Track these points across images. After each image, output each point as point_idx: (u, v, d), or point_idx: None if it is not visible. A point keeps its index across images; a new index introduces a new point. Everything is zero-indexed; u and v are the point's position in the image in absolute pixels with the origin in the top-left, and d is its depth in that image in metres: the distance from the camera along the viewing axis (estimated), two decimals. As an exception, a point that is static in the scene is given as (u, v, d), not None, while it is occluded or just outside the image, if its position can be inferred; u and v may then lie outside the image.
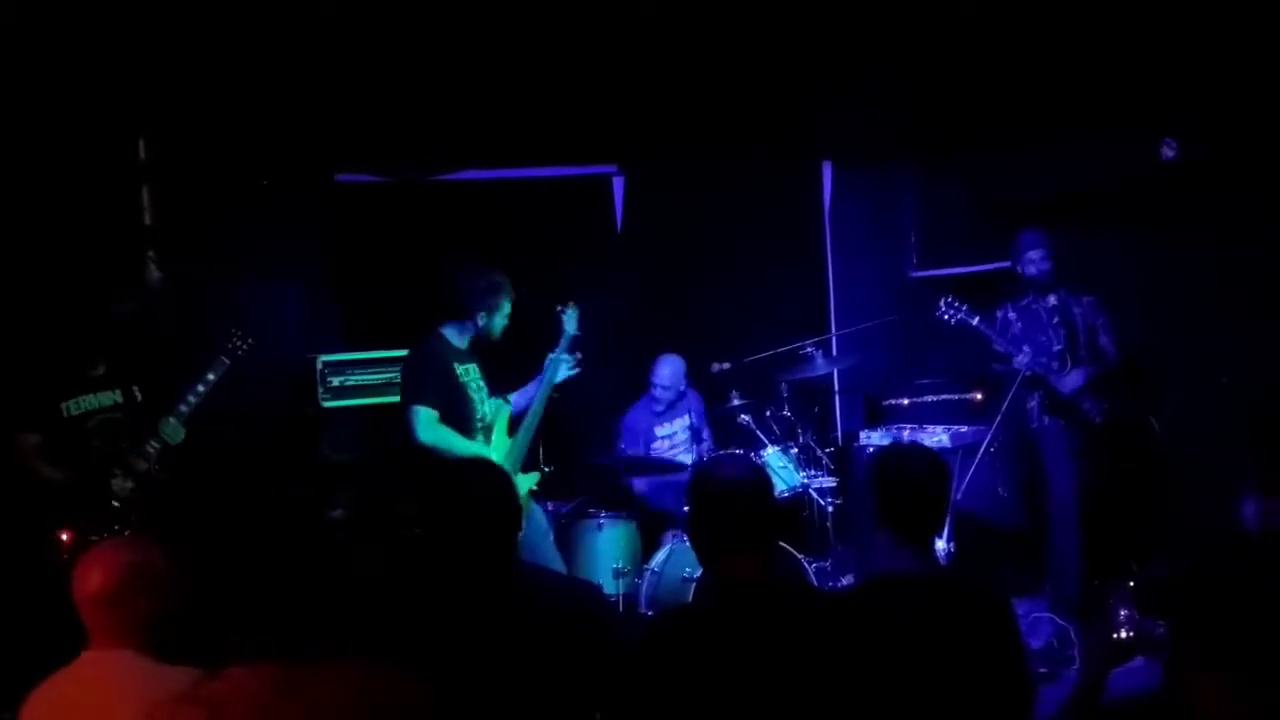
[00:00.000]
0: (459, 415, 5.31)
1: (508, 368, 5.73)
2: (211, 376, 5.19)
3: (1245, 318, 6.10)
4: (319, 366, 6.28)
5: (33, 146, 5.46)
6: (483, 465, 3.34)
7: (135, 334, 5.18)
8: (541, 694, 2.78)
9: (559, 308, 5.71)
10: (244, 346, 5.31)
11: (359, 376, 6.35)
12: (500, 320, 5.40)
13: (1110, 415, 6.11)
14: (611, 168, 7.84)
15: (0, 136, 5.36)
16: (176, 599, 2.86)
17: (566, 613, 2.95)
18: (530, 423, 5.54)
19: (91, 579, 2.76)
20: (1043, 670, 5.21)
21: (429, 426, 5.19)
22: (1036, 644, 5.59)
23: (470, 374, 5.42)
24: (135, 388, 5.17)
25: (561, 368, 5.65)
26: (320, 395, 6.26)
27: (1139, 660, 2.75)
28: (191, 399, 5.13)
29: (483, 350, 5.51)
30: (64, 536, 4.92)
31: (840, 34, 6.38)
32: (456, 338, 5.41)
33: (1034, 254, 6.21)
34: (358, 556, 2.48)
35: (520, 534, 5.22)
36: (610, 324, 7.07)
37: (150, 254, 5.92)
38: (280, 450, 6.09)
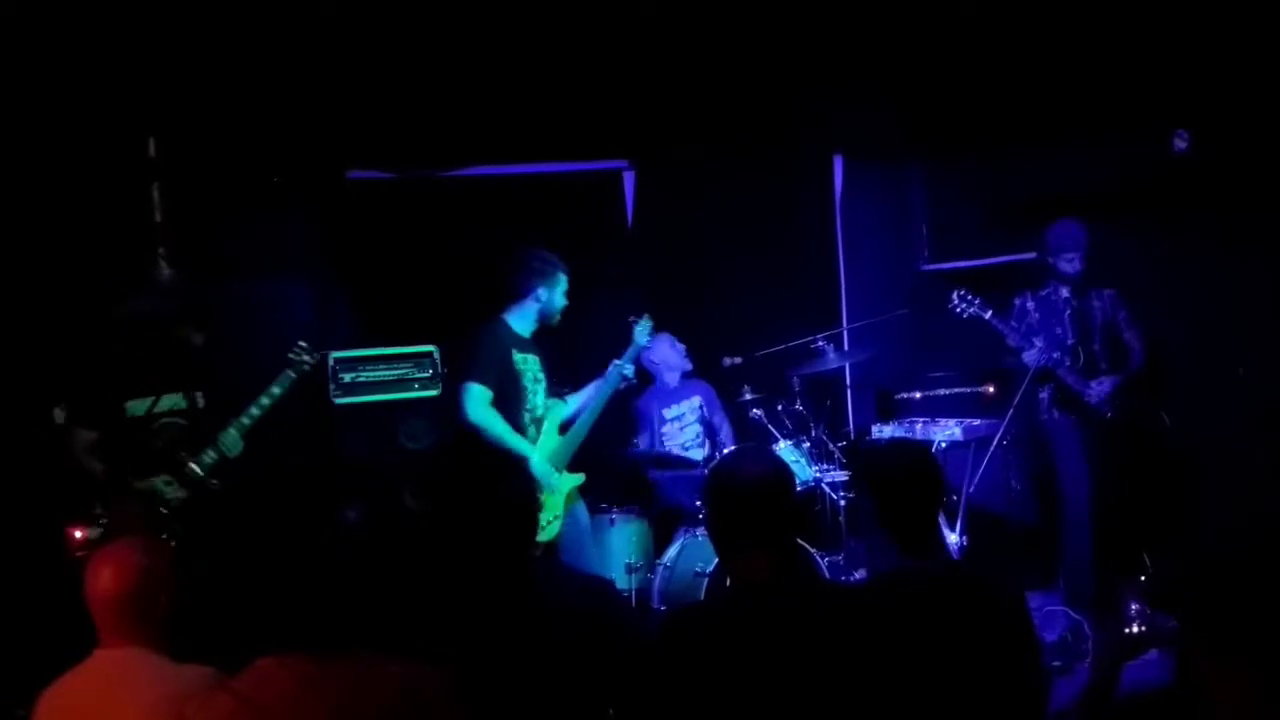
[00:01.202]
0: (510, 402, 5.37)
1: (572, 370, 5.85)
2: (276, 390, 5.12)
3: (1258, 310, 6.08)
4: (330, 363, 6.28)
5: (42, 145, 5.47)
6: (502, 460, 3.34)
7: (148, 332, 5.16)
8: (556, 690, 2.78)
9: (631, 318, 5.76)
10: (310, 361, 5.26)
11: (370, 373, 6.34)
12: (559, 298, 5.51)
13: (1120, 410, 6.08)
14: (622, 163, 7.83)
15: (9, 135, 5.37)
16: (188, 597, 2.87)
17: (581, 610, 2.95)
18: (584, 425, 5.60)
19: (103, 577, 2.77)
20: (1057, 664, 5.21)
21: (479, 405, 5.25)
22: (1050, 637, 5.58)
23: (529, 364, 5.48)
24: (199, 393, 5.13)
25: (619, 376, 5.67)
26: (332, 392, 6.25)
27: (1153, 654, 2.73)
28: (255, 411, 5.05)
29: (546, 346, 5.60)
30: (77, 534, 4.93)
31: (850, 28, 6.37)
32: (519, 323, 5.50)
33: (1071, 255, 6.12)
34: (372, 555, 2.49)
35: (560, 534, 5.35)
36: (621, 319, 7.07)
37: (161, 252, 5.93)
38: (294, 448, 6.09)
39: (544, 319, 5.53)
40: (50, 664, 2.79)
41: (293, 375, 5.17)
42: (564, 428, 5.63)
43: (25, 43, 5.19)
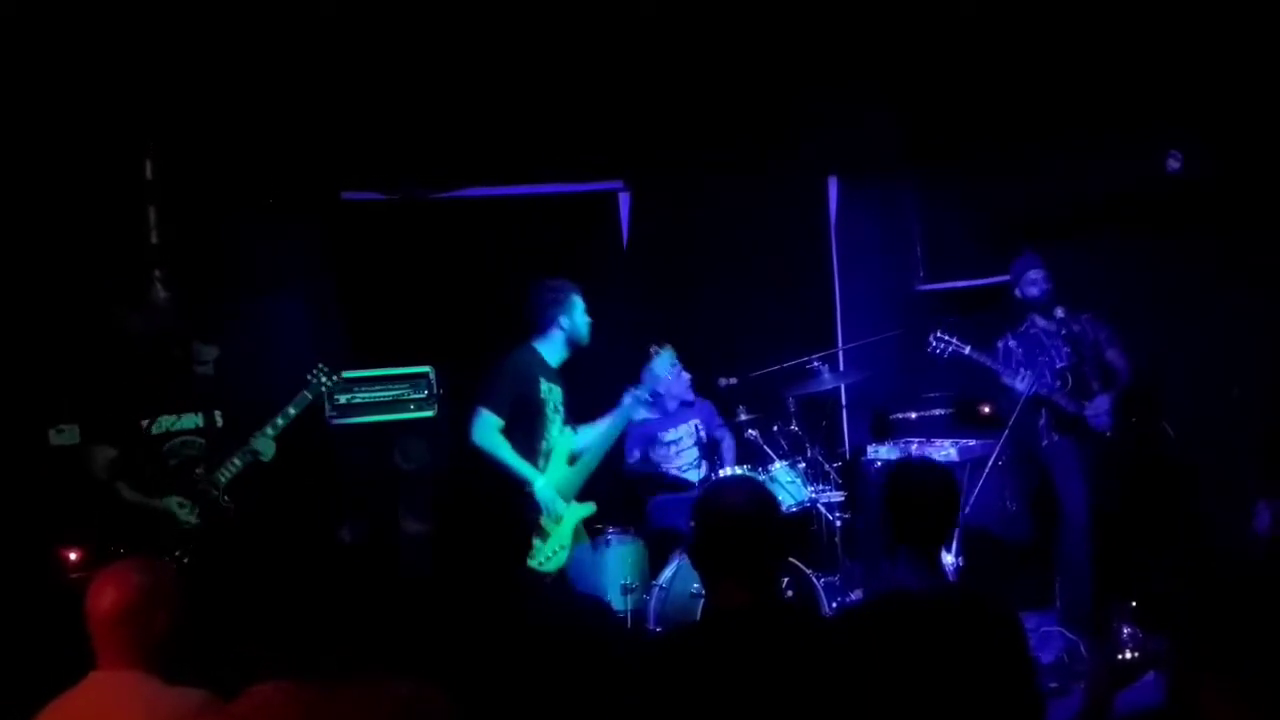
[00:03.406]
0: (528, 431, 5.37)
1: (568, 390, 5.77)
2: (293, 411, 5.28)
3: (1254, 329, 6.10)
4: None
5: (38, 167, 5.48)
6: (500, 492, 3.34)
7: (158, 349, 5.17)
8: (551, 710, 2.77)
9: (653, 347, 5.72)
10: (328, 382, 5.46)
11: (366, 394, 6.34)
12: (581, 319, 5.50)
13: (1120, 427, 6.08)
14: (617, 184, 7.85)
15: (5, 157, 5.37)
16: (186, 620, 2.86)
17: (576, 630, 2.95)
18: (594, 455, 5.58)
19: (104, 599, 2.75)
20: (1053, 685, 5.17)
21: (486, 431, 5.24)
22: (1047, 659, 5.57)
23: (553, 394, 5.47)
24: (217, 413, 5.18)
25: (640, 407, 5.66)
26: (327, 413, 6.25)
27: (1150, 675, 2.73)
28: (280, 421, 5.21)
29: (565, 377, 5.59)
30: (71, 555, 4.93)
31: (845, 49, 6.39)
32: (549, 353, 5.49)
33: (1035, 274, 6.23)
34: (364, 572, 2.49)
35: (569, 560, 5.34)
36: (617, 339, 7.07)
37: (156, 273, 5.94)
38: (291, 469, 6.10)
39: (573, 344, 5.52)
40: (45, 687, 2.77)
41: (309, 396, 5.33)
42: (572, 459, 5.60)
43: (21, 65, 5.20)
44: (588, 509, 5.60)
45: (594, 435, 5.66)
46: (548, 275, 5.64)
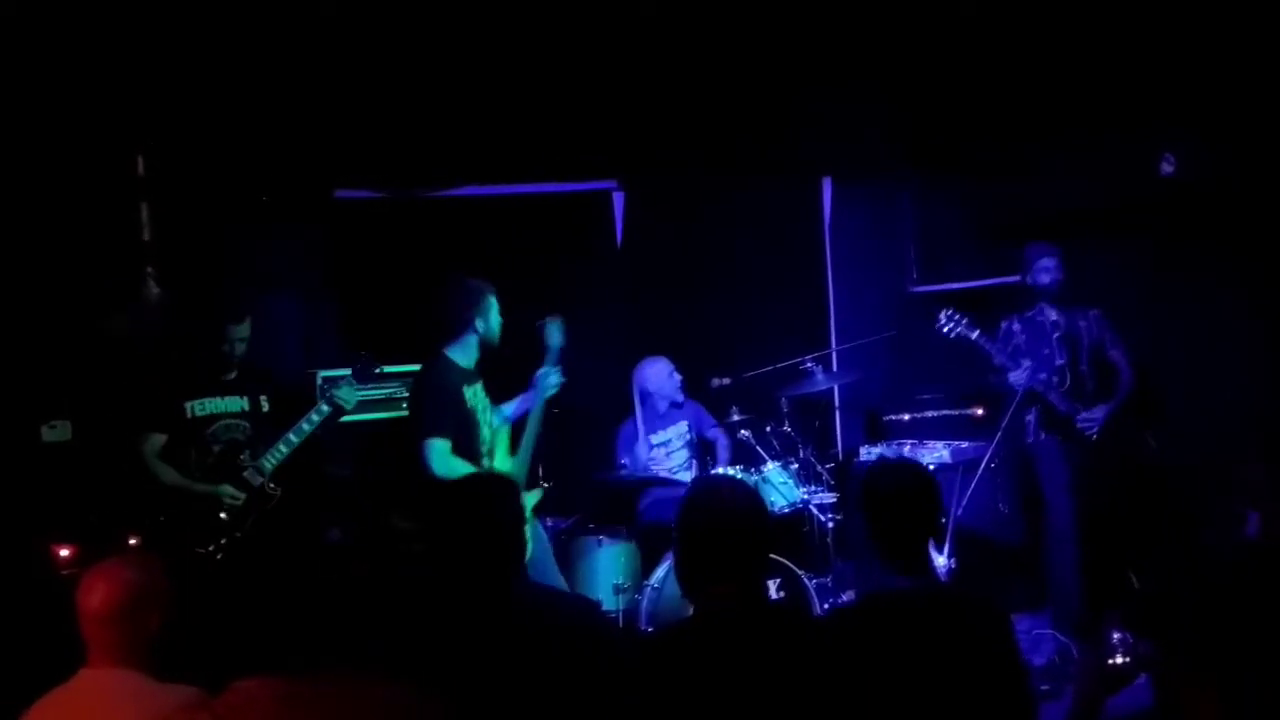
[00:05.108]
0: (468, 441, 5.20)
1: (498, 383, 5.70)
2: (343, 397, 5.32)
3: (1244, 333, 6.11)
4: (318, 382, 6.26)
5: (30, 164, 5.46)
6: (492, 481, 3.32)
7: (134, 349, 5.16)
8: (540, 711, 2.77)
9: (540, 322, 5.57)
10: (375, 370, 5.49)
11: (358, 391, 6.32)
12: (495, 320, 5.31)
13: (1106, 432, 6.09)
14: (612, 183, 7.85)
15: (-1, 152, 5.37)
16: (178, 617, 2.85)
17: (566, 630, 2.94)
18: (529, 442, 5.43)
19: (95, 595, 2.76)
20: (1045, 687, 5.19)
21: (444, 459, 5.01)
22: (1039, 661, 5.57)
23: (478, 396, 5.32)
24: (262, 397, 5.17)
25: (550, 383, 5.47)
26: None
27: (1140, 678, 2.73)
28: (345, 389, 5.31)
29: (484, 370, 5.49)
30: (63, 552, 4.92)
31: (840, 50, 6.39)
32: (462, 357, 5.28)
33: (1047, 262, 6.20)
34: (357, 574, 2.48)
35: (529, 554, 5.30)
36: (610, 339, 7.06)
37: (149, 270, 5.92)
38: (279, 467, 6.09)
39: (486, 346, 5.30)
40: (35, 684, 2.77)
41: (349, 373, 5.40)
42: (512, 448, 5.48)
43: (13, 62, 5.19)
44: (536, 496, 5.49)
45: (515, 411, 5.54)
46: (533, 274, 5.58)
